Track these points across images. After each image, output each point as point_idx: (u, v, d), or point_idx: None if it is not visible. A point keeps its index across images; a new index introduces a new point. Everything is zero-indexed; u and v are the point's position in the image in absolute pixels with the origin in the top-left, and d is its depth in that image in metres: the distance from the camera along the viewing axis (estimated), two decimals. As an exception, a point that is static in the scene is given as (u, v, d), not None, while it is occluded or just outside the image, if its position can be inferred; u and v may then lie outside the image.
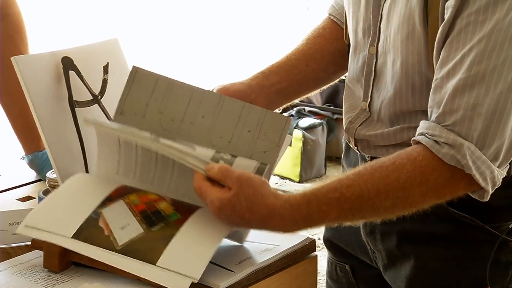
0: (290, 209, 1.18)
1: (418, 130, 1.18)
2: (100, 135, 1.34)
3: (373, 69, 1.29)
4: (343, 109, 1.39)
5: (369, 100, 1.31)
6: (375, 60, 1.28)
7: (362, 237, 1.35)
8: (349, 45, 1.38)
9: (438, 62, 1.16)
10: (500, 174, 1.15)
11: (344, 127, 1.37)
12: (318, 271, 1.43)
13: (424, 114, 1.23)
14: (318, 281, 1.45)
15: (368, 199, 1.15)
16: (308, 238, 1.40)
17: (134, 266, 1.22)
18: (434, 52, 1.17)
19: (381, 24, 1.27)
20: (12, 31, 1.81)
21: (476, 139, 1.12)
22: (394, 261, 1.31)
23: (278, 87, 1.42)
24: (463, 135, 1.12)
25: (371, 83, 1.30)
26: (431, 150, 1.14)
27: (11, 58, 1.40)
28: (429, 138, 1.14)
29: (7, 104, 1.82)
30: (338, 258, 1.46)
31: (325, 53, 1.44)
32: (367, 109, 1.32)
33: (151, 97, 1.34)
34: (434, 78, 1.17)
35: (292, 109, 4.21)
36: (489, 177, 1.14)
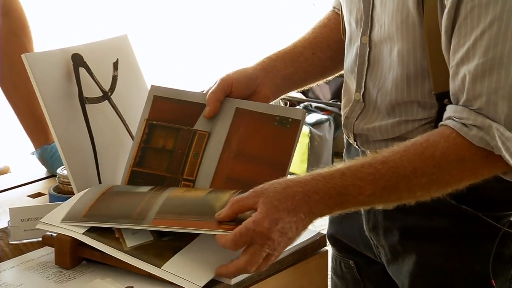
0: (323, 180, 1.15)
1: (445, 114, 1.17)
2: None
3: (367, 58, 1.28)
4: (341, 104, 1.39)
5: (362, 90, 1.30)
6: (368, 50, 1.28)
7: (366, 232, 1.34)
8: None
9: (451, 48, 1.16)
10: None
11: (342, 123, 1.37)
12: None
13: (420, 106, 1.23)
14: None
15: (404, 176, 1.13)
16: (319, 233, 1.40)
17: (140, 265, 1.22)
18: (444, 41, 1.17)
19: (374, 13, 1.26)
20: (15, 27, 1.81)
21: (504, 120, 1.12)
22: (397, 256, 1.31)
23: (284, 73, 1.41)
24: (490, 117, 1.12)
25: (365, 73, 1.29)
26: (459, 132, 1.13)
27: (21, 55, 1.41)
28: (456, 121, 1.14)
29: (14, 100, 1.82)
30: (342, 254, 1.46)
31: (331, 43, 1.44)
32: (361, 100, 1.31)
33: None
34: (450, 66, 1.17)
35: (299, 105, 4.21)
36: None
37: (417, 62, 1.21)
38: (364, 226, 1.34)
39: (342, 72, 1.47)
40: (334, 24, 1.44)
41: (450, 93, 1.17)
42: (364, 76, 1.29)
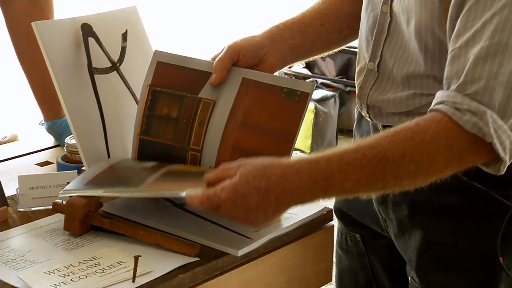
0: (308, 165, 1.13)
1: (436, 100, 1.15)
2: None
3: (386, 28, 1.27)
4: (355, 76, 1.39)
5: (377, 60, 1.29)
6: (389, 19, 1.26)
7: (374, 206, 1.35)
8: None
9: (454, 32, 1.14)
10: None
11: (356, 94, 1.36)
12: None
13: (436, 80, 1.22)
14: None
15: (392, 162, 1.11)
16: (325, 207, 1.41)
17: (167, 194, 1.27)
18: (448, 21, 1.15)
19: None
20: None
21: (498, 108, 1.11)
22: (404, 231, 1.31)
23: (291, 43, 1.40)
24: (485, 104, 1.10)
25: (382, 43, 1.28)
26: (451, 117, 1.11)
27: (31, 23, 1.41)
28: (449, 106, 1.12)
29: (30, 72, 1.83)
30: (348, 228, 1.46)
31: (341, 14, 1.42)
32: (375, 69, 1.30)
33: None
34: (451, 49, 1.15)
35: (304, 81, 4.20)
36: (508, 147, 1.12)
37: (435, 36, 1.19)
38: (373, 199, 1.34)
39: (347, 45, 1.47)
40: None
41: (444, 78, 1.15)
42: (381, 46, 1.28)
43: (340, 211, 1.45)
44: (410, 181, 1.14)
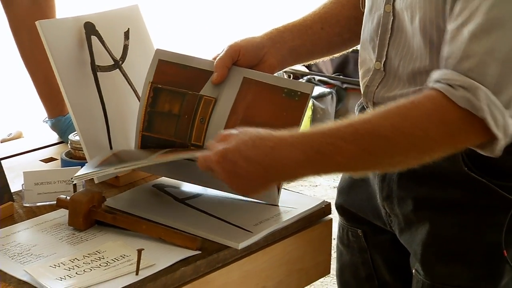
0: (301, 137, 1.13)
1: (431, 78, 1.14)
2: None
3: (390, 27, 1.28)
4: (359, 75, 1.40)
5: (383, 59, 1.30)
6: (392, 18, 1.27)
7: (378, 201, 1.35)
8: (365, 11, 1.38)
9: (452, 13, 1.14)
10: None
11: (362, 92, 1.37)
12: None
13: None
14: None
15: (384, 137, 1.10)
16: (323, 201, 1.44)
17: (182, 155, 1.31)
18: (448, 8, 1.16)
19: None
20: None
21: (492, 84, 1.09)
22: (410, 225, 1.32)
23: (291, 44, 1.42)
24: (478, 80, 1.09)
25: (387, 42, 1.29)
26: (445, 94, 1.10)
27: (35, 22, 1.43)
28: (443, 83, 1.11)
29: (33, 70, 1.84)
30: (350, 223, 1.47)
31: (341, 18, 1.44)
32: (382, 69, 1.31)
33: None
34: (448, 30, 1.15)
35: (302, 78, 4.23)
36: (501, 124, 1.10)
37: (440, 30, 1.19)
38: (378, 195, 1.35)
39: (347, 51, 1.49)
40: (346, 0, 1.45)
41: (441, 58, 1.15)
42: (387, 45, 1.29)
43: (341, 207, 1.46)
44: (402, 158, 1.13)
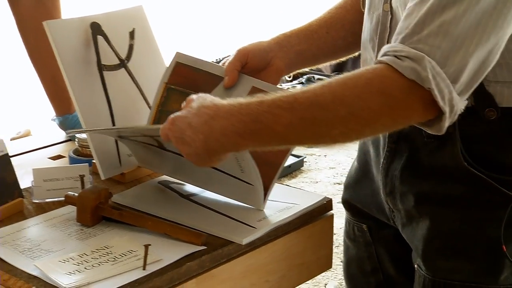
0: (238, 106, 1.12)
1: (380, 52, 1.14)
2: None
3: (388, 25, 1.29)
4: None
5: None
6: (390, 17, 1.29)
7: (382, 196, 1.37)
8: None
9: None
10: (459, 101, 1.12)
11: None
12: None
13: None
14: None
15: (323, 105, 1.08)
16: (325, 197, 1.47)
17: None
18: None
19: None
20: None
21: (438, 56, 1.08)
22: (411, 220, 1.33)
23: (297, 48, 1.45)
24: (425, 52, 1.08)
25: (386, 40, 1.30)
26: (391, 65, 1.09)
27: (42, 22, 1.45)
28: (389, 55, 1.11)
29: (40, 69, 1.87)
30: (356, 218, 1.49)
31: (346, 23, 1.47)
32: None
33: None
34: (407, 7, 1.15)
35: (302, 76, 4.25)
36: (447, 97, 1.10)
37: None
38: (381, 191, 1.37)
39: (353, 54, 1.50)
40: (351, 6, 1.47)
41: (395, 32, 1.15)
42: (386, 43, 1.29)
43: (347, 202, 1.49)
44: (342, 129, 1.11)
